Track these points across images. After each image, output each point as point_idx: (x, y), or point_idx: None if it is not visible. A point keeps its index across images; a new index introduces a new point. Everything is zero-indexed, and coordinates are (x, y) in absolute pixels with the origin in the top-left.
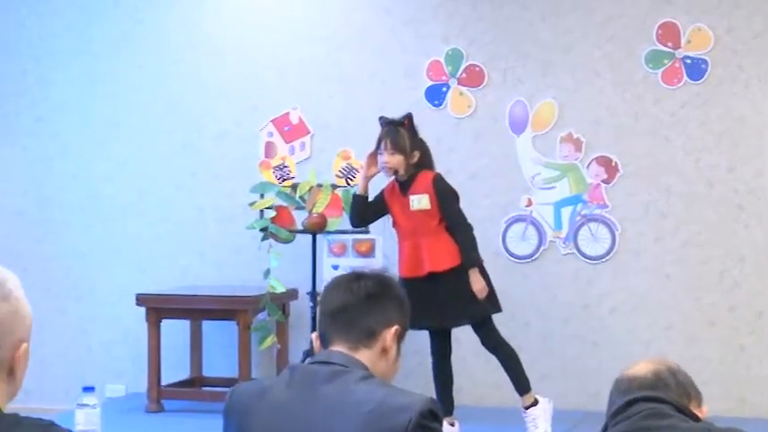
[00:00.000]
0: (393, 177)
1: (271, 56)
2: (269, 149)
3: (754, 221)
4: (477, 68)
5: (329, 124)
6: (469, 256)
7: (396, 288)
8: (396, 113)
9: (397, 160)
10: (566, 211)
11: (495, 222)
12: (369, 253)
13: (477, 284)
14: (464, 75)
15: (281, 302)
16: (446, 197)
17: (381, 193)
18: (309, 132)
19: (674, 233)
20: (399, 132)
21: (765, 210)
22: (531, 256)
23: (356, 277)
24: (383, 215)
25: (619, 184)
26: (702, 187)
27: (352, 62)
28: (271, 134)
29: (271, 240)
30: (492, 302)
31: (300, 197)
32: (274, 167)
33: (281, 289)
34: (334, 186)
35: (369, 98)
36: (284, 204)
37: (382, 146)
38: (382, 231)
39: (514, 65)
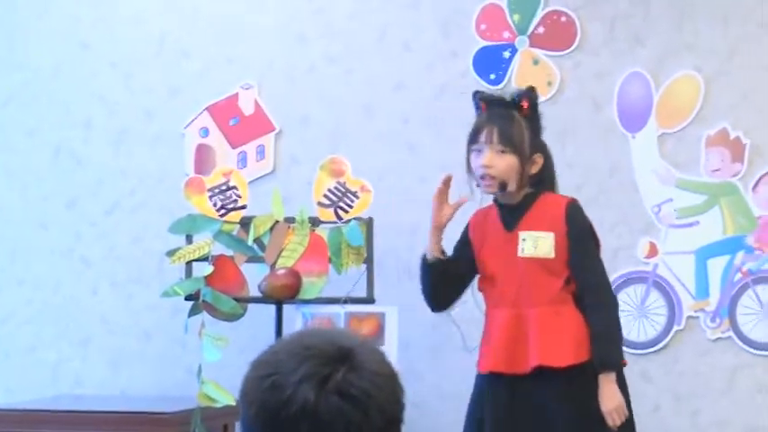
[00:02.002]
0: (492, 197)
1: None
2: (202, 158)
3: None
4: (564, 18)
5: (308, 115)
6: (607, 351)
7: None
8: (423, 94)
9: (506, 165)
10: (716, 266)
11: None
12: (374, 336)
13: (612, 401)
14: (541, 29)
15: (222, 423)
16: (583, 243)
17: (465, 234)
18: (273, 129)
19: None
20: (514, 119)
21: None
22: (655, 342)
23: (321, 362)
24: (473, 278)
25: None
26: None
27: (350, 8)
28: (205, 132)
29: (205, 316)
30: None
31: (256, 240)
32: (211, 189)
33: (223, 400)
34: (316, 222)
35: (377, 71)
36: (228, 253)
37: (483, 137)
38: (399, 296)
39: (628, 12)
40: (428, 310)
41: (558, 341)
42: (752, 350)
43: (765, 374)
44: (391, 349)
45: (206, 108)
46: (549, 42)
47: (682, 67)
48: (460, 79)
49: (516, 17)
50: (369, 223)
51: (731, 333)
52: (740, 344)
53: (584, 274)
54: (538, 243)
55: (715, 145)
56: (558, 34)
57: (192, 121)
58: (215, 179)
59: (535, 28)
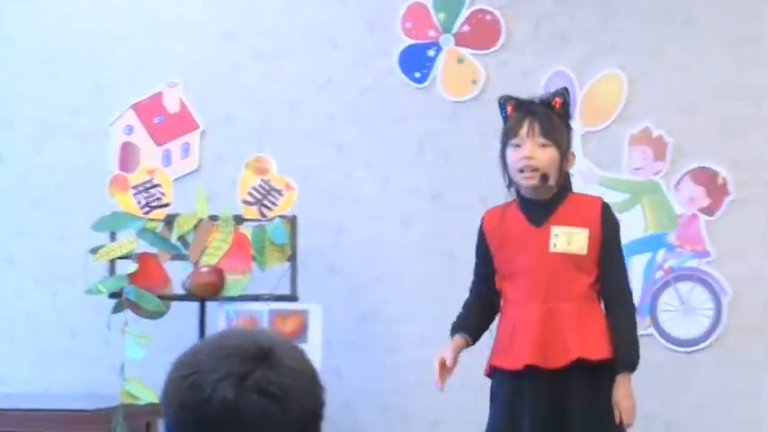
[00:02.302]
0: (523, 191)
1: None
2: (126, 156)
3: None
4: (490, 17)
5: (233, 113)
6: (629, 351)
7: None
8: (349, 92)
9: (548, 157)
10: (638, 263)
11: None
12: (297, 335)
13: (629, 400)
14: (466, 28)
15: (145, 421)
16: (615, 243)
17: (483, 240)
18: (198, 127)
19: None
20: (552, 115)
21: None
22: None
23: (240, 360)
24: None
25: (730, 216)
26: None
27: (277, 6)
28: (130, 129)
29: (128, 314)
30: None
31: (180, 238)
32: (136, 187)
33: (145, 398)
34: (240, 220)
35: (303, 69)
36: (152, 251)
37: (524, 131)
38: (322, 296)
39: (553, 11)
40: (351, 306)
41: (594, 335)
42: (673, 347)
43: (687, 371)
44: (315, 347)
45: (131, 106)
46: (475, 41)
47: (606, 66)
48: (386, 77)
49: (441, 15)
50: (293, 221)
51: (653, 330)
52: (662, 341)
53: (612, 273)
54: (572, 239)
55: (638, 143)
56: (484, 33)
57: (118, 118)
58: (139, 177)
59: (460, 26)
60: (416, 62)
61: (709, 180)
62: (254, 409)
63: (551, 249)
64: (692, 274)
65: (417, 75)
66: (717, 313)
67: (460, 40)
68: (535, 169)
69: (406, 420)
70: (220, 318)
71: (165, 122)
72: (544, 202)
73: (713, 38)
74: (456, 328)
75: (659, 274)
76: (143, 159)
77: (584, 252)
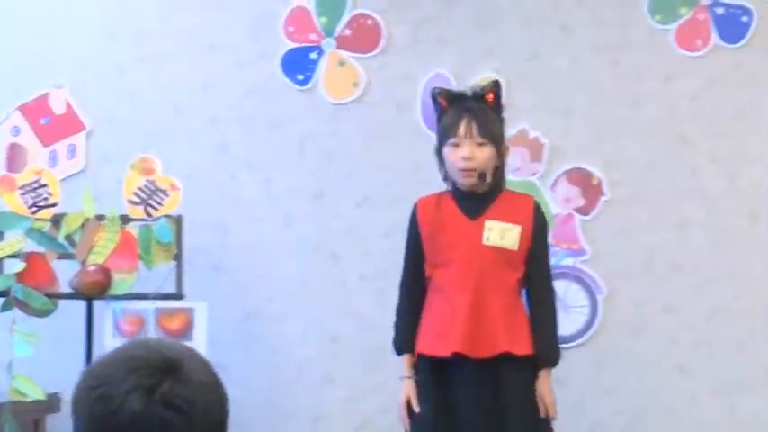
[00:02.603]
0: (460, 185)
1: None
2: (13, 157)
3: None
4: (371, 21)
5: (117, 115)
6: (554, 347)
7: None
8: (232, 94)
9: (485, 156)
10: None
11: (398, 281)
12: (183, 332)
13: (552, 394)
14: (348, 32)
15: (33, 417)
16: (544, 241)
17: (415, 227)
18: (84, 128)
19: (697, 297)
20: (487, 112)
21: None
22: None
23: (148, 372)
24: None
25: (605, 216)
26: (743, 220)
27: (160, 9)
28: (17, 131)
29: (16, 313)
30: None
31: (67, 238)
32: (23, 187)
33: (33, 395)
34: (126, 220)
35: (185, 72)
36: (39, 250)
37: (462, 131)
38: (208, 292)
39: (432, 15)
40: (236, 305)
41: (519, 331)
42: None
43: (563, 367)
44: (200, 344)
45: (18, 107)
46: (356, 44)
47: (483, 69)
48: (269, 80)
49: (323, 20)
50: (178, 221)
51: None
52: None
53: (539, 270)
54: (505, 234)
55: (515, 145)
56: (365, 36)
57: (4, 120)
58: (26, 177)
59: (342, 30)
60: (299, 65)
61: (584, 181)
62: (160, 422)
63: (484, 242)
64: (568, 272)
65: (300, 77)
66: (592, 310)
67: (342, 43)
68: (473, 169)
69: (289, 416)
70: (107, 316)
71: (52, 124)
72: (480, 195)
73: (587, 43)
74: (403, 347)
75: None
76: (30, 160)
77: (516, 248)
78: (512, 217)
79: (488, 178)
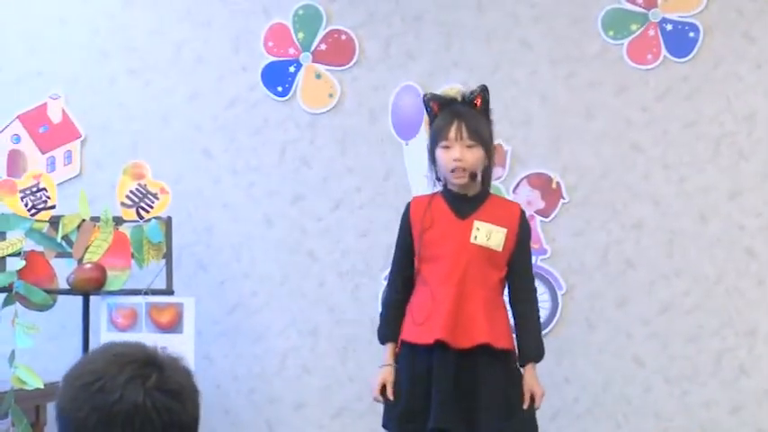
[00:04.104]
0: (451, 186)
1: (15, 14)
2: (13, 163)
3: None
4: (345, 36)
5: (111, 124)
6: (539, 343)
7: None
8: (216, 104)
9: (475, 158)
10: None
11: (372, 278)
12: (173, 325)
13: (539, 388)
14: (323, 46)
15: (34, 404)
16: (528, 245)
17: (407, 222)
18: (80, 136)
19: (650, 293)
20: (476, 115)
21: None
22: None
23: (138, 365)
24: None
25: (563, 218)
26: (692, 222)
27: (148, 26)
28: (17, 138)
29: (17, 307)
30: (535, 425)
31: (65, 237)
32: (23, 191)
33: (34, 383)
34: (119, 221)
35: (172, 84)
36: (39, 249)
37: (453, 134)
38: (195, 288)
39: (402, 31)
40: (220, 300)
41: (499, 325)
42: None
43: None
44: (189, 336)
45: (17, 116)
46: (331, 58)
47: (449, 81)
48: (250, 91)
49: (301, 35)
50: (168, 222)
51: None
52: None
53: (522, 270)
54: (491, 235)
55: None
56: (339, 51)
57: (5, 128)
58: (26, 181)
59: (318, 45)
60: (278, 77)
61: (543, 185)
62: (159, 406)
63: (472, 240)
64: None
65: (279, 89)
66: (553, 305)
67: (318, 57)
68: (464, 170)
69: (272, 402)
70: (102, 310)
71: (49, 132)
72: (470, 197)
73: (545, 57)
74: (387, 336)
75: None
76: (29, 166)
77: (500, 249)
78: (499, 220)
79: (479, 177)
